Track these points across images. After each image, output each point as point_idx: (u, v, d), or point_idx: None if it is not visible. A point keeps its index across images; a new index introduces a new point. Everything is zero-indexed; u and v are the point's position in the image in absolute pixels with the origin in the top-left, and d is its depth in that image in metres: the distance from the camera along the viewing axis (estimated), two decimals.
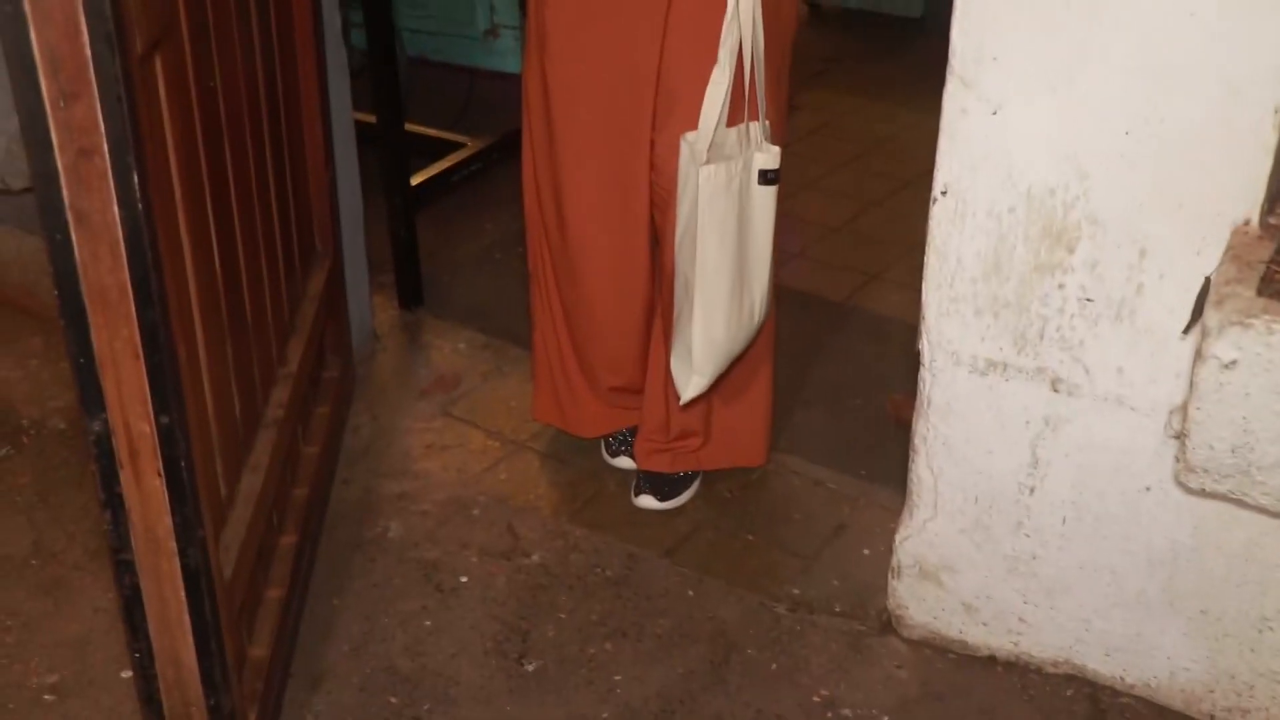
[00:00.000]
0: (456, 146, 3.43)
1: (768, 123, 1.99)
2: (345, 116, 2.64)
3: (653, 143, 2.05)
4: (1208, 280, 1.59)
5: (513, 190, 2.28)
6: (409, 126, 3.02)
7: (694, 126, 1.94)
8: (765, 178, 1.99)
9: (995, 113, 1.68)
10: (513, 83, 2.18)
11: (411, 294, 3.03)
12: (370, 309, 2.91)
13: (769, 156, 1.98)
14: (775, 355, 2.33)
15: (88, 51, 1.26)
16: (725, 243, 1.98)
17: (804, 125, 4.12)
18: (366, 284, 2.87)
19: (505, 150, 3.37)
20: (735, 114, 1.96)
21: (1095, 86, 1.60)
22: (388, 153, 2.90)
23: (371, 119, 2.86)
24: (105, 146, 1.29)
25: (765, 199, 2.01)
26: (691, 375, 2.05)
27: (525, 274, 2.40)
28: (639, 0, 1.97)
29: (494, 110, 3.78)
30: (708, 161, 1.92)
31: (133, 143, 1.30)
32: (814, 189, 3.69)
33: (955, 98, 1.71)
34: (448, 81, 4.05)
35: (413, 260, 3.01)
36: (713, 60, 1.91)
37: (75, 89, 1.27)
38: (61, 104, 1.28)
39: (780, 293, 2.32)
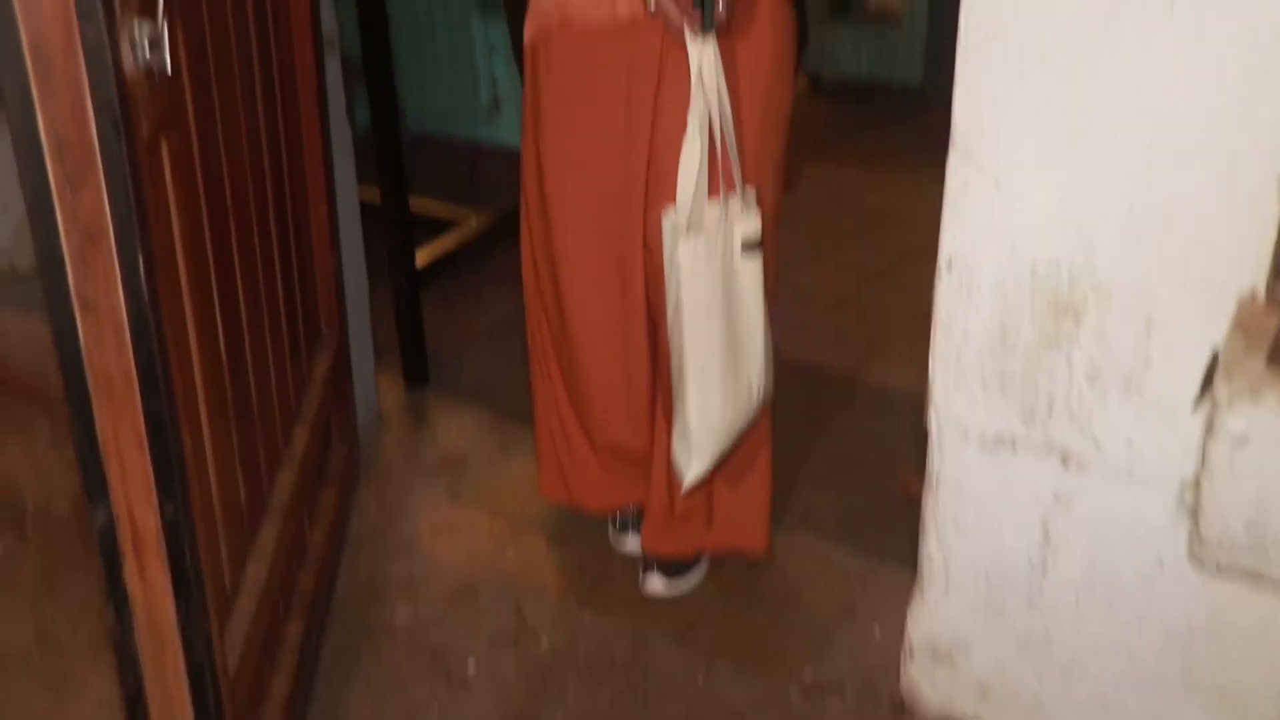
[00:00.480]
0: (461, 223, 3.44)
1: (750, 191, 1.99)
2: (350, 196, 2.65)
3: (645, 221, 2.06)
4: (1216, 353, 1.58)
5: (517, 265, 2.29)
6: (413, 202, 3.03)
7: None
8: (748, 248, 1.98)
9: (998, 186, 1.68)
10: (517, 157, 2.19)
11: (417, 373, 3.03)
12: (375, 388, 2.91)
13: (750, 226, 1.97)
14: (774, 435, 2.30)
15: (94, 136, 1.26)
16: (713, 318, 1.97)
17: (806, 197, 4.13)
18: (371, 363, 2.87)
19: (510, 225, 3.37)
20: (716, 186, 1.97)
21: (1097, 159, 1.60)
22: (392, 232, 2.91)
23: (375, 198, 2.87)
24: (111, 232, 1.29)
25: (751, 270, 1.99)
26: (691, 460, 2.03)
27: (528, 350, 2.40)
28: (630, 80, 1.98)
29: (498, 184, 3.80)
30: (687, 236, 1.92)
31: (139, 228, 1.30)
32: (817, 261, 3.69)
33: (957, 171, 1.71)
34: (451, 156, 4.08)
35: (418, 339, 3.01)
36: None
37: (82, 174, 1.28)
38: (68, 189, 1.29)
39: (785, 367, 2.31)
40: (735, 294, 1.99)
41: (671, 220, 1.94)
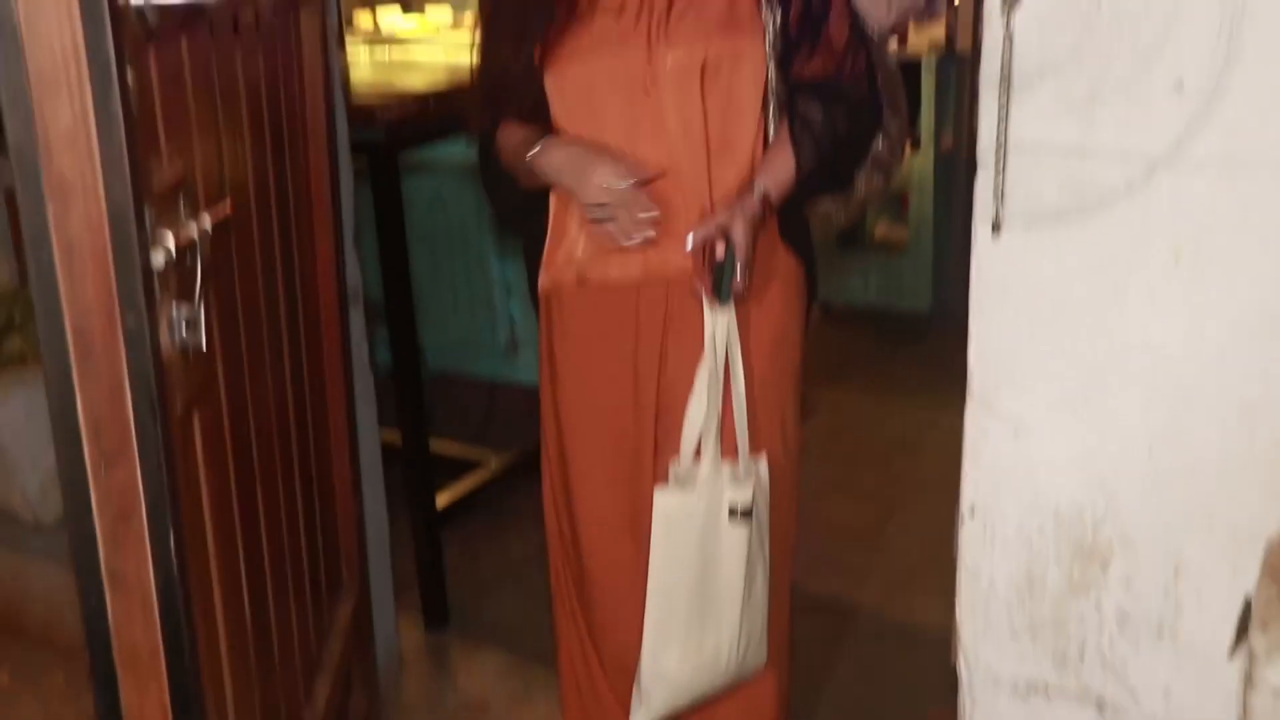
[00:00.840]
0: (480, 463, 3.46)
1: (757, 461, 2.00)
2: (372, 442, 2.68)
3: (655, 469, 2.07)
4: (1248, 601, 1.57)
5: (537, 504, 2.30)
6: (432, 443, 3.06)
7: None
8: (735, 514, 1.96)
9: (1016, 434, 1.70)
10: (536, 395, 2.23)
11: (437, 615, 3.01)
12: (396, 632, 2.88)
13: (740, 494, 1.96)
14: (793, 677, 2.24)
15: (130, 416, 1.29)
16: (680, 576, 1.96)
17: (822, 426, 4.16)
18: (391, 607, 2.85)
19: (529, 464, 3.39)
20: (728, 447, 1.98)
21: (1115, 407, 1.62)
22: (412, 474, 2.93)
23: (395, 438, 2.90)
24: (143, 509, 1.31)
25: (736, 538, 1.98)
26: (639, 706, 2.00)
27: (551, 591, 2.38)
28: (637, 331, 2.02)
29: (518, 423, 3.83)
30: (673, 490, 1.93)
31: (170, 504, 1.32)
32: (835, 491, 3.70)
33: (976, 419, 1.73)
34: (470, 394, 4.13)
35: (438, 580, 3.00)
36: None
37: (116, 453, 1.30)
38: (102, 467, 1.31)
39: (807, 602, 2.28)
40: (714, 558, 1.98)
41: (675, 471, 1.96)
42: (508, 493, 3.44)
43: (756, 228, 1.92)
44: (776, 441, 2.06)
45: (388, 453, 2.81)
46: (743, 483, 1.97)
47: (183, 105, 1.43)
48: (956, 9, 4.94)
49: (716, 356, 1.91)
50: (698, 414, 1.93)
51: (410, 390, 2.88)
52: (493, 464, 3.45)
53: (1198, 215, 1.50)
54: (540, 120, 2.00)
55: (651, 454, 2.06)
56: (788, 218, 2.03)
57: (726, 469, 1.97)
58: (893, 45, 4.99)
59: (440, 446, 3.44)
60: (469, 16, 4.64)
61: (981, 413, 1.72)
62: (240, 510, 1.64)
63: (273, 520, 1.84)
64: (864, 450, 4.01)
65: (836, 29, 1.96)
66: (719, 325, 1.90)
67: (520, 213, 2.12)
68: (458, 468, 3.43)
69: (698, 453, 1.97)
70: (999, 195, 1.61)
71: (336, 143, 2.37)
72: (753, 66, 1.93)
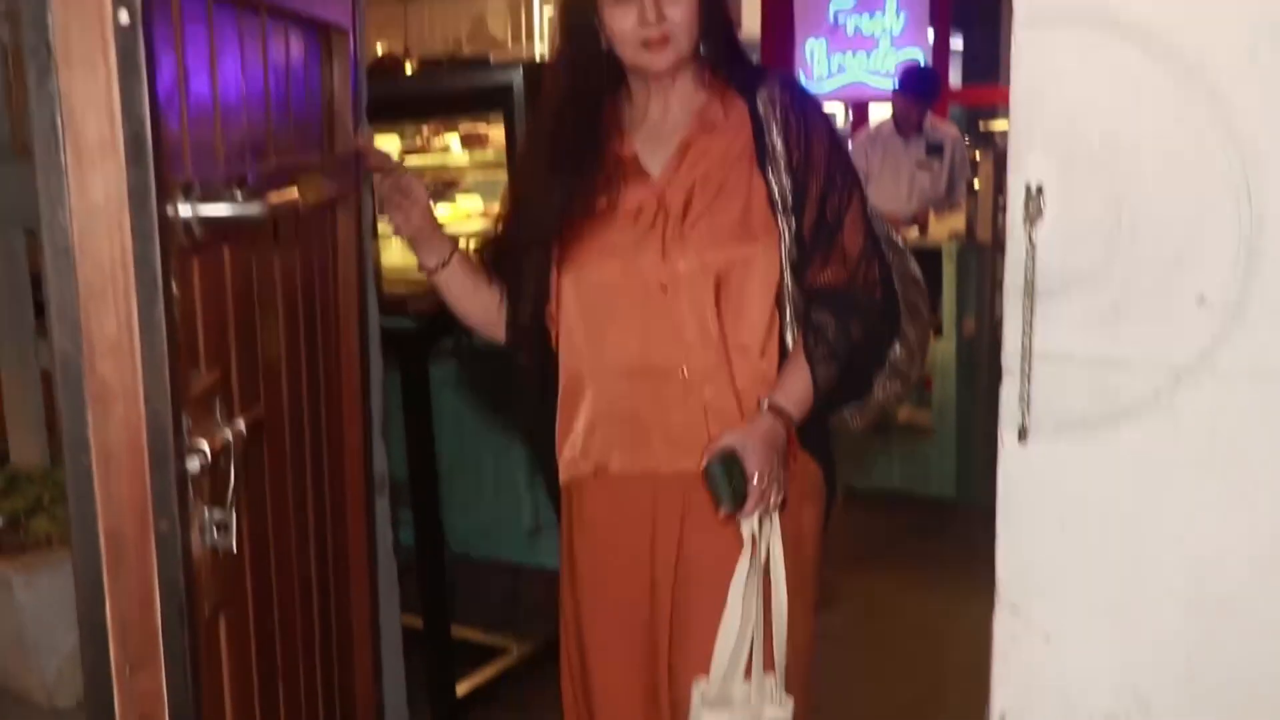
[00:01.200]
0: (502, 650, 3.42)
1: (786, 673, 1.96)
2: (394, 628, 2.65)
3: (672, 678, 2.02)
4: None
5: (558, 691, 2.25)
6: (454, 629, 3.03)
7: (706, 668, 1.91)
8: None
9: (1048, 641, 1.68)
10: (558, 580, 2.21)
11: None
12: None
13: (782, 713, 1.92)
14: None
15: (158, 621, 1.29)
16: None
17: (849, 614, 4.10)
18: None
19: (550, 650, 3.35)
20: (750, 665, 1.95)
21: (1149, 616, 1.60)
22: (433, 664, 2.90)
23: (417, 622, 2.87)
24: (166, 715, 1.30)
25: None
26: None
27: None
28: (654, 525, 2.01)
29: (539, 607, 3.79)
30: (712, 709, 1.89)
31: (193, 711, 1.31)
32: (862, 681, 3.62)
33: (1005, 625, 1.71)
34: (494, 578, 4.10)
35: None
36: (722, 597, 1.89)
37: (142, 657, 1.30)
38: (127, 672, 1.30)
39: None
40: None
41: (701, 690, 1.91)
42: (530, 679, 3.38)
43: (774, 443, 1.90)
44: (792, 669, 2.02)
45: (408, 637, 2.78)
46: (781, 703, 1.92)
47: (222, 312, 1.46)
48: (978, 198, 5.04)
49: (769, 577, 1.88)
50: (732, 625, 1.88)
51: (434, 579, 2.87)
52: (515, 651, 3.41)
53: (1227, 426, 1.51)
54: (536, 314, 2.05)
55: (667, 649, 2.03)
56: (805, 426, 2.02)
57: (767, 686, 1.92)
58: (914, 234, 5.10)
59: (462, 632, 3.40)
60: (499, 206, 4.74)
61: (1010, 618, 1.70)
62: (261, 709, 1.62)
63: (292, 712, 1.81)
64: (889, 638, 3.95)
65: (850, 238, 1.98)
66: (758, 535, 1.87)
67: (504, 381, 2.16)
68: (480, 654, 3.38)
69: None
70: (1025, 403, 1.62)
71: (368, 335, 2.40)
72: (766, 273, 1.96)
